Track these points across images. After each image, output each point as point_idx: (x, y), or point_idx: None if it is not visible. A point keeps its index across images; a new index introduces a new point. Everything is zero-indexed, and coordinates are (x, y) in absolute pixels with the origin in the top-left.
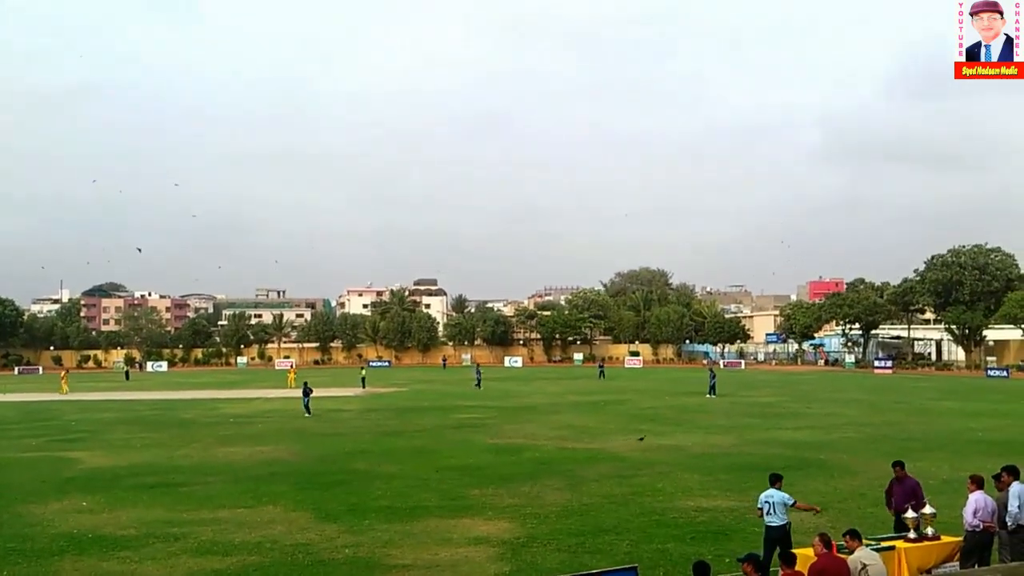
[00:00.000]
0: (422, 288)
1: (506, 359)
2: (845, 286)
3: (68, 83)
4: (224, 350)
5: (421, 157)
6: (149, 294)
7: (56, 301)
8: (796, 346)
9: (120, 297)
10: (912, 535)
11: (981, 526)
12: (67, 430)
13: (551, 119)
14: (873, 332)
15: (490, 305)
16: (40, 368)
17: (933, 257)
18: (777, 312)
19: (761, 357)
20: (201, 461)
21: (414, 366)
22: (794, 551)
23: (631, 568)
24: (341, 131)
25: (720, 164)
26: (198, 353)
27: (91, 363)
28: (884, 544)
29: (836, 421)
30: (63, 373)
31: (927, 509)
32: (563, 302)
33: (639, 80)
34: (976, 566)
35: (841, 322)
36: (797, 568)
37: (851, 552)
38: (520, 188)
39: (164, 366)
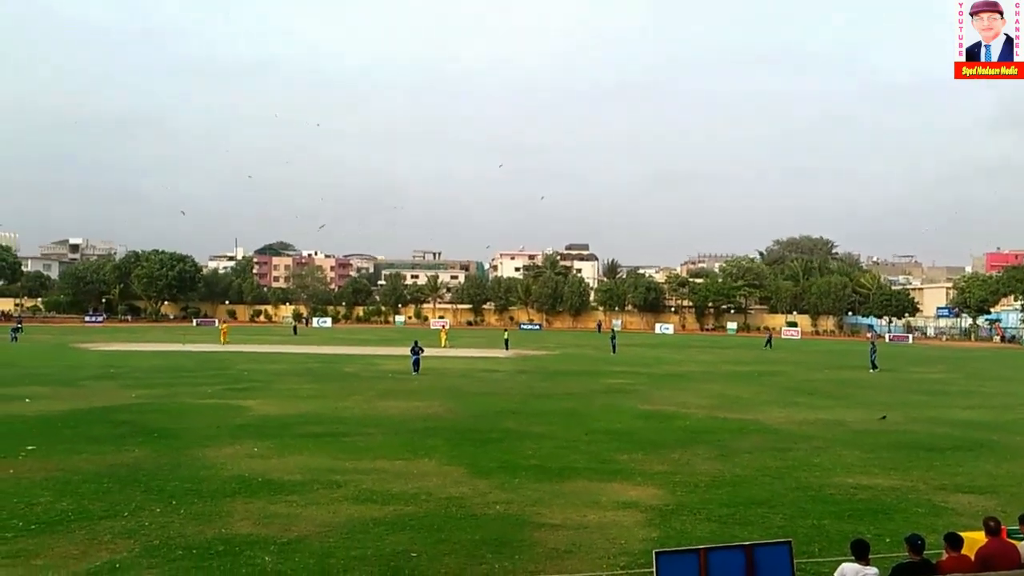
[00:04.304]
0: (573, 253)
1: (657, 326)
2: None
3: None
4: (383, 308)
5: (571, 124)
6: (315, 253)
7: (231, 258)
8: (970, 321)
9: (289, 256)
10: None
11: None
12: (239, 379)
13: (704, 83)
14: None
15: (642, 271)
16: (216, 320)
17: None
18: (950, 285)
19: (931, 332)
20: (363, 413)
21: (564, 330)
22: (961, 534)
23: (785, 542)
24: (491, 101)
25: (886, 129)
26: (359, 311)
27: (262, 317)
28: None
29: (1012, 401)
30: (223, 326)
31: None
32: (717, 269)
33: (792, 44)
34: None
35: (1021, 296)
36: (963, 552)
37: None
38: (671, 153)
39: (328, 322)
